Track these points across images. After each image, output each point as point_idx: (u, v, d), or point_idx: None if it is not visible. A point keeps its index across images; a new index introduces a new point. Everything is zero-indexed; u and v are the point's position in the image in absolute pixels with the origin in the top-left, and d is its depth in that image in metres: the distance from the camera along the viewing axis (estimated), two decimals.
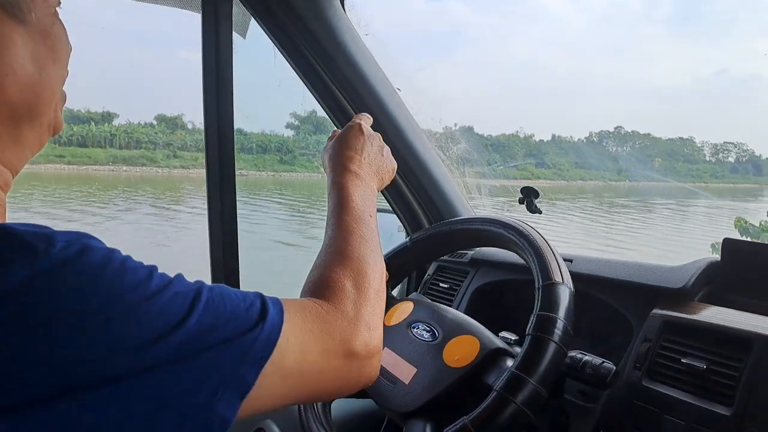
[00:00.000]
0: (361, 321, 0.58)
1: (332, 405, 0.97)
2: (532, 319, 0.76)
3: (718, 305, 0.90)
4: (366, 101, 1.26)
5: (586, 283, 1.00)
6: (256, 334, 0.47)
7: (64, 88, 0.55)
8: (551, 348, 0.73)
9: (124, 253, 0.45)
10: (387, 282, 0.78)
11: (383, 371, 0.87)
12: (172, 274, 0.47)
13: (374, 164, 0.81)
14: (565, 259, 0.84)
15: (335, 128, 0.90)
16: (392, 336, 0.93)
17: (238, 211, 1.31)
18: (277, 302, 0.51)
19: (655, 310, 0.91)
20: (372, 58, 1.27)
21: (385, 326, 0.74)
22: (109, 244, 0.44)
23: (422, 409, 0.80)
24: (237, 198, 1.30)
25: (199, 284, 0.47)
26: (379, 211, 0.77)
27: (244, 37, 1.27)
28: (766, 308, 0.86)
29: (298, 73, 1.27)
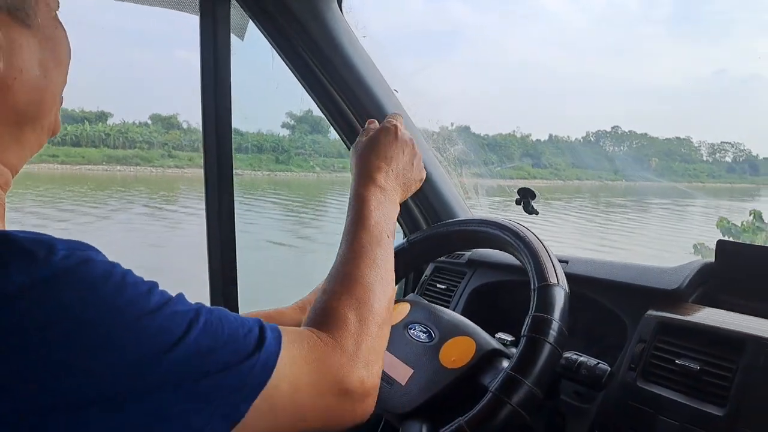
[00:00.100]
0: (360, 357, 0.56)
1: None
2: (527, 320, 0.77)
3: (711, 306, 0.91)
4: (363, 102, 1.27)
5: (582, 285, 1.00)
6: (253, 361, 0.46)
7: None
8: (546, 349, 0.73)
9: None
10: None
11: None
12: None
13: (402, 176, 0.78)
14: (560, 261, 0.85)
15: (371, 121, 0.85)
16: (389, 337, 0.93)
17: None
18: (275, 330, 0.51)
19: (649, 312, 0.92)
20: (369, 59, 1.28)
21: None
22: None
23: (418, 409, 0.81)
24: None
25: (199, 306, 0.47)
26: None
27: (242, 39, 1.28)
28: (759, 309, 0.87)
29: (296, 74, 1.27)
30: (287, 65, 1.26)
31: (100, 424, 0.38)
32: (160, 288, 0.46)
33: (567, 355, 0.83)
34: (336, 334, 0.56)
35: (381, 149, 0.76)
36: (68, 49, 0.54)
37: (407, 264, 1.13)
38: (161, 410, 0.41)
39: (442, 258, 1.37)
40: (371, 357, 0.57)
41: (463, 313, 1.02)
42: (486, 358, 0.82)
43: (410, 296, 1.18)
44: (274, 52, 1.25)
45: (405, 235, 1.48)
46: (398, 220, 1.48)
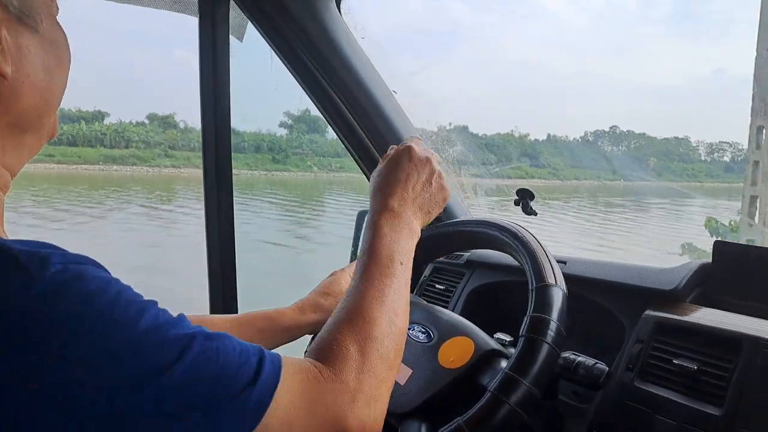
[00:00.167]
0: (362, 393, 0.52)
1: None
2: (525, 320, 0.77)
3: (709, 307, 0.91)
4: (362, 103, 1.27)
5: (580, 285, 1.01)
6: (244, 399, 0.44)
7: None
8: (544, 349, 0.73)
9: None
10: None
11: None
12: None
13: (419, 199, 0.74)
14: (558, 261, 0.85)
15: (392, 147, 0.81)
16: None
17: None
18: (276, 359, 0.49)
19: (647, 312, 0.92)
20: (368, 60, 1.28)
21: None
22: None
23: (417, 409, 0.81)
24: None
25: (197, 331, 0.45)
26: None
27: (241, 41, 1.28)
28: (756, 310, 0.88)
29: (294, 76, 1.27)
30: (286, 66, 1.26)
31: None
32: (162, 307, 0.45)
33: (565, 355, 0.83)
34: (336, 367, 0.53)
35: (395, 173, 0.73)
36: (69, 53, 0.55)
37: None
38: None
39: (441, 258, 1.37)
40: (374, 394, 0.53)
41: (461, 314, 1.02)
42: (484, 358, 0.82)
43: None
44: (273, 53, 1.25)
45: None
46: None
